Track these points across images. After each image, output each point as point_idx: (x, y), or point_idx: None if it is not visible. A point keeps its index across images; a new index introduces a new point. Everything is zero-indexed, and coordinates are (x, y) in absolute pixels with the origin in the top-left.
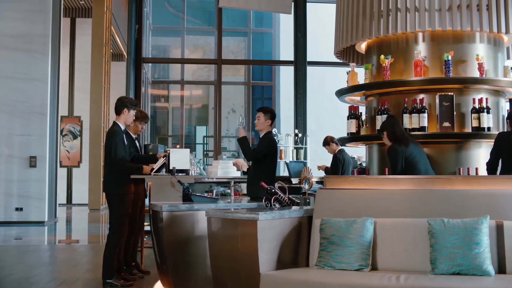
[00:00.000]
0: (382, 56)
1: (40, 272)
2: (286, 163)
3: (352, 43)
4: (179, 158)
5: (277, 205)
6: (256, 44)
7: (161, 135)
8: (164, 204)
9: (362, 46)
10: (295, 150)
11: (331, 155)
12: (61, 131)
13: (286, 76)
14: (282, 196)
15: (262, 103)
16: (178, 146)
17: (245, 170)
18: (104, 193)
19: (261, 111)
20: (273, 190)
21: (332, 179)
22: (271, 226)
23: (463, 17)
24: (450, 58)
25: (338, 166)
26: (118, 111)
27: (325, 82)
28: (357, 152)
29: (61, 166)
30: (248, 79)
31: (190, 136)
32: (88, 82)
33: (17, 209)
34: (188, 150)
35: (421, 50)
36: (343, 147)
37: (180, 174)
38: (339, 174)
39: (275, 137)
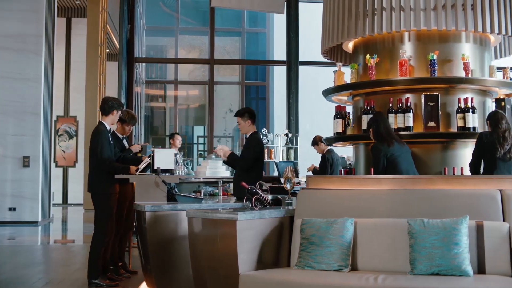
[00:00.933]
0: (368, 56)
1: (28, 272)
2: (276, 163)
3: (338, 43)
4: (164, 158)
5: (258, 205)
6: (251, 44)
7: (159, 135)
8: (147, 204)
9: (349, 46)
10: (285, 150)
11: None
12: (57, 131)
13: (279, 76)
14: (263, 196)
15: (257, 103)
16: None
17: (227, 156)
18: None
19: (238, 115)
20: (254, 190)
21: (315, 179)
22: (251, 226)
23: (448, 17)
24: (435, 57)
25: (327, 166)
26: (106, 112)
27: (320, 82)
28: (347, 152)
29: (57, 166)
30: (242, 79)
31: (185, 136)
32: (84, 82)
33: (10, 209)
34: (173, 150)
35: (407, 49)
36: (332, 147)
37: (167, 174)
38: (328, 174)
39: (265, 137)
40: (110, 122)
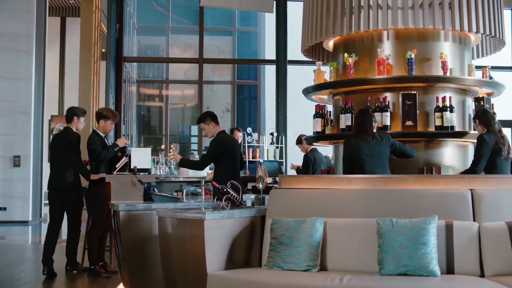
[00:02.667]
0: (346, 55)
1: (11, 272)
2: (259, 163)
3: (317, 41)
4: (140, 157)
5: (230, 205)
6: (243, 43)
7: (157, 135)
8: (121, 204)
9: (330, 44)
10: (273, 149)
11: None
12: (52, 130)
13: (270, 75)
14: (234, 196)
15: (249, 102)
16: (173, 146)
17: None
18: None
19: (200, 122)
20: (224, 190)
21: (287, 178)
22: (219, 226)
23: (426, 15)
24: (413, 56)
25: (309, 166)
26: (70, 119)
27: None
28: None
29: None
30: (233, 78)
31: (174, 135)
32: (78, 81)
33: (0, 208)
34: (150, 149)
35: (386, 48)
36: (315, 146)
37: (145, 173)
38: (310, 174)
39: (250, 137)
40: (75, 128)
